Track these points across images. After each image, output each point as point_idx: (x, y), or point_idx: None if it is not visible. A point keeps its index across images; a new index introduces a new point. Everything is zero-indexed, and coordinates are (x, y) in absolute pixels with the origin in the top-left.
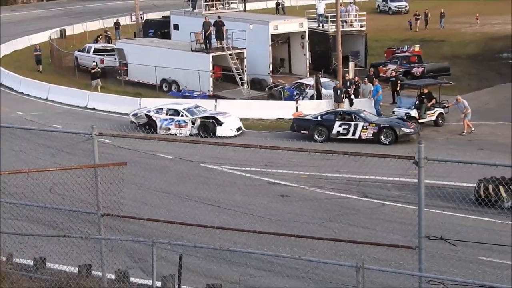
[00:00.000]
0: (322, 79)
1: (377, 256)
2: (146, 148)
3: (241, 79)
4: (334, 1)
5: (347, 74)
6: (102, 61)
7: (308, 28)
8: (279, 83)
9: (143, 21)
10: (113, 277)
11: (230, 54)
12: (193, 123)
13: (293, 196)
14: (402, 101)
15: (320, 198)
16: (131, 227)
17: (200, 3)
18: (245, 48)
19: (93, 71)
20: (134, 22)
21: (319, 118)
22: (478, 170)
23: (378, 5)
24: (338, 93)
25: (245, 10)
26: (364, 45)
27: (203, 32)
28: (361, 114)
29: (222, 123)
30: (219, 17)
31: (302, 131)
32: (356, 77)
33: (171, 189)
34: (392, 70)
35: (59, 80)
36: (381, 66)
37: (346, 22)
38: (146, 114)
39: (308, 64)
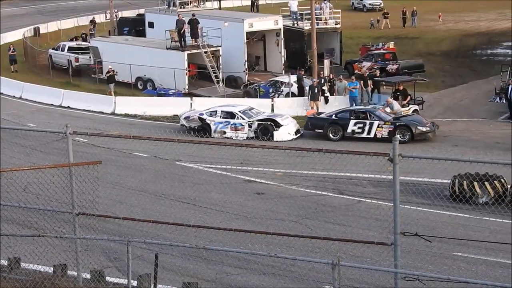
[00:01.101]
0: (294, 77)
1: (353, 252)
2: (121, 147)
3: (216, 77)
4: None
5: (322, 72)
6: (77, 59)
7: (283, 25)
8: (255, 80)
9: (118, 19)
10: (88, 276)
11: (205, 52)
12: (249, 126)
13: (269, 193)
14: (376, 98)
15: (296, 196)
16: (107, 226)
17: (175, 1)
18: (220, 46)
19: (108, 74)
20: (109, 20)
21: (333, 117)
22: (452, 167)
23: (352, 2)
24: (316, 91)
25: (220, 8)
26: (339, 42)
27: (177, 30)
28: (376, 113)
29: (281, 125)
30: (193, 15)
31: (316, 130)
32: (331, 74)
33: (146, 187)
34: (368, 68)
35: (33, 78)
36: (356, 63)
37: (320, 19)
38: (199, 117)
39: (283, 62)
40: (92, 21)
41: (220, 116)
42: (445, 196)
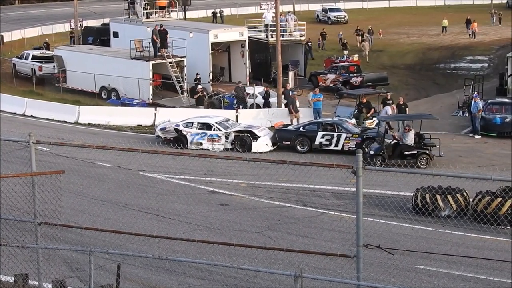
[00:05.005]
0: (259, 88)
1: (316, 264)
2: (84, 156)
3: (181, 87)
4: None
5: (287, 84)
6: (41, 68)
7: (248, 37)
8: (219, 91)
9: (83, 28)
10: (50, 286)
11: (170, 62)
12: (226, 137)
13: (232, 204)
14: (340, 110)
15: (259, 207)
16: (69, 236)
17: (141, 11)
18: (185, 56)
19: (197, 96)
20: (73, 29)
21: (301, 129)
22: (415, 179)
23: (317, 15)
24: (296, 103)
25: (185, 18)
26: (303, 54)
27: (158, 39)
28: (344, 125)
29: (259, 137)
30: (161, 25)
31: (284, 142)
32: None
33: (109, 197)
34: (332, 80)
35: None
36: (320, 76)
37: (285, 31)
38: (175, 129)
39: (248, 73)
40: (72, 32)
41: (197, 127)
42: (408, 209)
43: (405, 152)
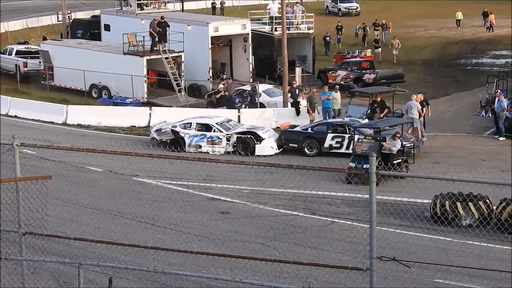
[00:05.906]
0: (263, 86)
1: (325, 278)
2: (73, 160)
3: (178, 85)
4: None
5: (294, 82)
6: (25, 64)
7: (252, 30)
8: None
9: (71, 20)
10: None
11: (166, 58)
12: (227, 139)
13: (234, 213)
14: (352, 110)
15: (264, 215)
16: (56, 247)
17: (134, 2)
18: (183, 51)
19: (219, 95)
20: (61, 22)
21: (309, 130)
22: (433, 185)
23: (327, 6)
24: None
25: (182, 10)
26: (311, 49)
27: (156, 34)
28: (356, 126)
29: (263, 139)
30: (162, 17)
31: (290, 144)
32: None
33: (100, 205)
34: (343, 77)
35: None
36: (330, 72)
37: (292, 24)
38: (172, 130)
39: (251, 69)
40: None
41: (195, 129)
42: (425, 217)
43: (394, 162)
